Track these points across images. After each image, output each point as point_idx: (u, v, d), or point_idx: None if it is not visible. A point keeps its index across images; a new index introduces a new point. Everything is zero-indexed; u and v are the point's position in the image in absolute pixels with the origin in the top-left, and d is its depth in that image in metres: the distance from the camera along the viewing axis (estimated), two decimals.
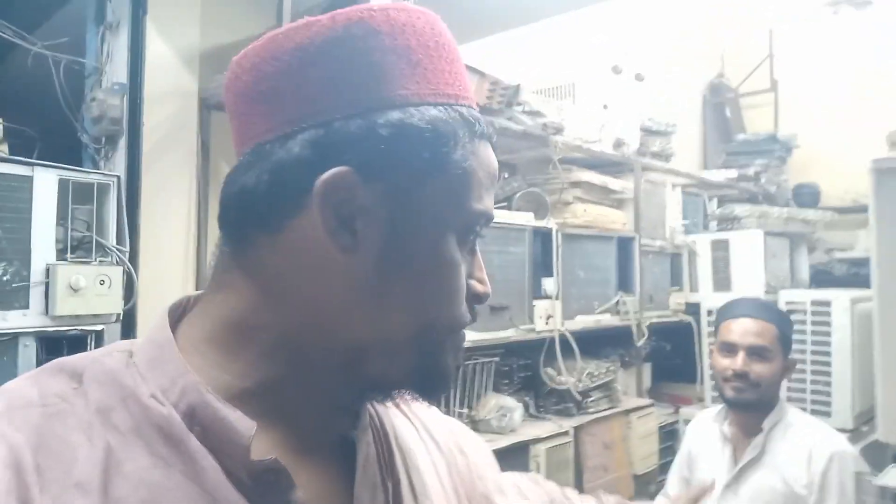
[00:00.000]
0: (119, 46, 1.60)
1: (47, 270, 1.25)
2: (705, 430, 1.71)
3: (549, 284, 2.02)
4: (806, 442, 1.53)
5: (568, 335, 2.02)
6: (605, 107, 2.39)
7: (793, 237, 2.95)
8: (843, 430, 1.96)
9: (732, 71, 3.79)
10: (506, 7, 2.34)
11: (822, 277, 3.06)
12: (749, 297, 1.77)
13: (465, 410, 1.83)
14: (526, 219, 1.97)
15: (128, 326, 1.44)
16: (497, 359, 1.92)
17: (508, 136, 1.98)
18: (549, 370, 2.03)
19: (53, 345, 1.27)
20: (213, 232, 1.68)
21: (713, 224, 2.95)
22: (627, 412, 2.20)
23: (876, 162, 1.50)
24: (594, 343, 2.24)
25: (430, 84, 0.46)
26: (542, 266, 2.04)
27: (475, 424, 1.80)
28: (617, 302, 2.30)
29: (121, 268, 1.37)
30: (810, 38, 3.64)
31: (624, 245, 2.39)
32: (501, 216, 1.89)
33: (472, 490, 0.62)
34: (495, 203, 1.98)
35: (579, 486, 1.97)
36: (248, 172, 0.46)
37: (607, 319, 2.25)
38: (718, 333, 1.67)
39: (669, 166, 2.73)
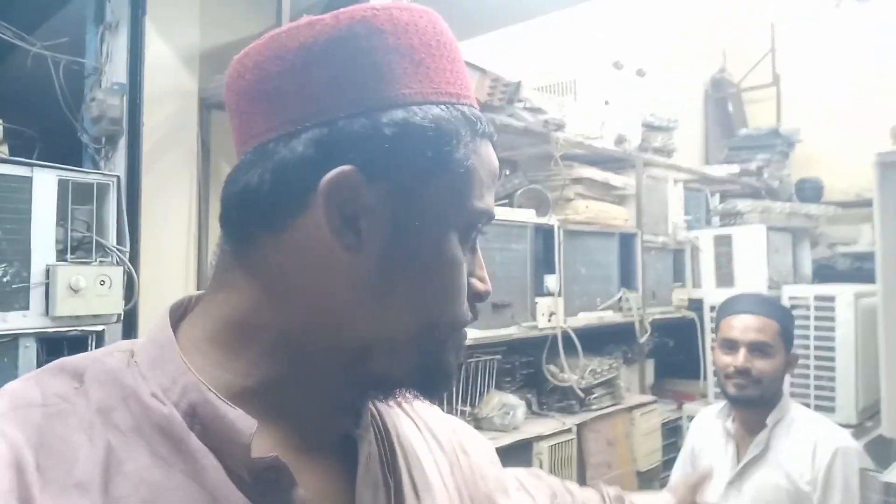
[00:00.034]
0: (118, 46, 1.60)
1: (47, 271, 1.25)
2: (709, 426, 1.71)
3: (551, 281, 2.01)
4: (809, 438, 1.53)
5: (570, 332, 2.01)
6: (606, 103, 2.38)
7: (795, 232, 2.94)
8: (846, 426, 1.96)
9: (734, 66, 3.78)
10: (506, 3, 2.33)
11: (824, 272, 3.05)
12: (749, 293, 1.76)
13: (468, 408, 1.83)
14: (527, 216, 1.97)
15: (129, 327, 1.44)
16: (499, 356, 1.92)
17: (510, 132, 1.98)
18: (552, 367, 2.03)
19: (54, 346, 1.26)
20: (214, 231, 1.69)
21: (715, 219, 2.95)
22: (630, 409, 2.20)
23: (880, 156, 1.49)
24: (597, 340, 2.24)
25: (432, 83, 0.47)
26: (544, 263, 2.03)
27: (478, 422, 1.80)
28: (619, 298, 2.29)
29: (121, 268, 1.37)
30: (813, 32, 3.63)
31: (626, 241, 2.38)
32: (503, 213, 1.88)
33: (474, 490, 0.61)
34: (497, 200, 1.99)
35: (582, 484, 1.96)
36: (250, 171, 0.46)
37: (610, 316, 2.24)
38: (719, 330, 1.66)
39: (671, 162, 2.73)
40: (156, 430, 0.42)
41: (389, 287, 0.46)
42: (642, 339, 2.36)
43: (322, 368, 0.48)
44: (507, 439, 1.75)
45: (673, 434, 2.45)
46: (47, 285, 1.25)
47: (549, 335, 1.98)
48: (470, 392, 1.84)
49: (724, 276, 2.68)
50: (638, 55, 2.68)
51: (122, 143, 1.57)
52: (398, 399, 0.51)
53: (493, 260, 1.81)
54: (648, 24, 3.25)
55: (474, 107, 0.50)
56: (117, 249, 1.38)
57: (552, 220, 2.05)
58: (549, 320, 1.97)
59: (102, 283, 1.31)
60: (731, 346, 1.60)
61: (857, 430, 2.15)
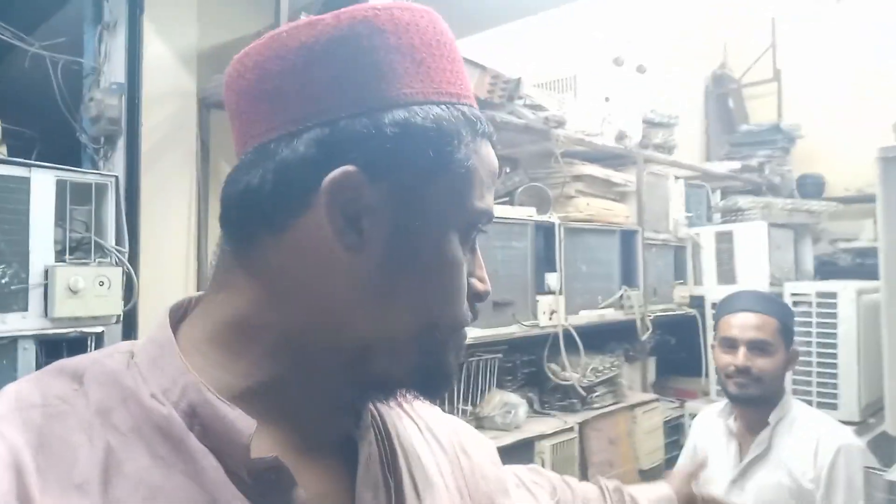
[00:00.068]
0: (117, 46, 1.60)
1: (46, 272, 1.25)
2: (711, 425, 1.70)
3: (552, 279, 2.01)
4: (812, 436, 1.52)
5: (571, 330, 2.01)
6: (606, 99, 2.37)
7: (797, 228, 2.93)
8: (849, 423, 1.95)
9: (735, 61, 3.77)
10: (506, 1, 2.33)
11: (826, 268, 3.05)
12: (747, 291, 1.75)
13: (470, 407, 1.83)
14: (528, 213, 1.97)
15: (128, 328, 1.44)
16: (500, 355, 1.91)
17: (510, 130, 1.97)
18: (553, 366, 2.02)
19: (53, 347, 1.26)
20: (214, 232, 1.69)
21: (717, 216, 2.94)
22: (632, 407, 2.19)
23: (883, 150, 1.48)
24: (598, 338, 2.23)
25: (433, 83, 0.47)
26: (545, 261, 2.03)
27: (479, 421, 1.79)
28: (621, 296, 2.29)
29: (120, 269, 1.37)
30: (813, 27, 3.62)
31: (627, 238, 2.38)
32: (504, 211, 1.88)
33: (475, 490, 0.61)
34: (497, 198, 1.99)
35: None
36: (251, 171, 0.46)
37: (611, 314, 2.24)
38: (718, 329, 1.65)
39: (672, 158, 2.72)
40: (155, 431, 0.42)
41: (390, 287, 0.46)
42: (644, 337, 2.36)
43: (322, 369, 0.48)
44: (508, 438, 1.75)
45: (675, 432, 2.45)
46: (46, 286, 1.24)
47: (550, 333, 1.98)
48: (471, 391, 1.84)
49: (726, 272, 2.67)
50: (638, 51, 2.67)
51: (121, 143, 1.57)
52: (399, 399, 0.51)
53: (494, 258, 1.81)
54: (649, 20, 3.24)
55: (474, 106, 0.50)
56: (116, 250, 1.38)
57: (553, 217, 2.05)
58: (551, 318, 1.97)
59: (101, 283, 1.31)
60: (730, 344, 1.59)
61: (860, 427, 2.14)
